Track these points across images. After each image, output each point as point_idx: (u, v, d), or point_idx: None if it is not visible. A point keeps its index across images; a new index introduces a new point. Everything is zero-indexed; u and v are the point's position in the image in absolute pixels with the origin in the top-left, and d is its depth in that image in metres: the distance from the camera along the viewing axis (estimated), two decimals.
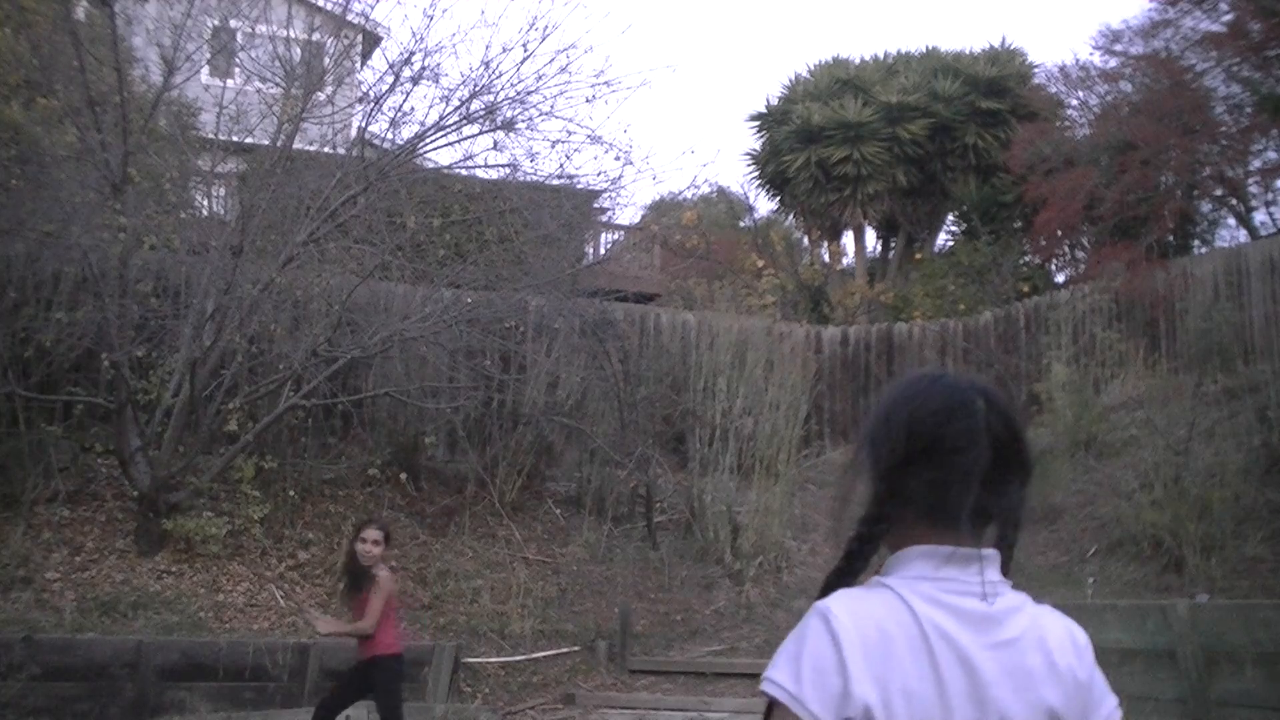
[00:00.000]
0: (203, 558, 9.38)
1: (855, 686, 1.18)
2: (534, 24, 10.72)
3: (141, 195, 9.92)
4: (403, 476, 11.04)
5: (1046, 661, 1.28)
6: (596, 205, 13.84)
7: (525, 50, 10.27)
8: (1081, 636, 1.35)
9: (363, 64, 13.34)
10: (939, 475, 1.28)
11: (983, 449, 1.28)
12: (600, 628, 10.09)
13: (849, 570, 1.32)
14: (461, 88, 10.40)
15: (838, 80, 19.82)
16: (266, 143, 10.66)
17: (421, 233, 10.62)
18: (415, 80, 10.32)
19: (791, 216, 22.15)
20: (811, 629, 1.23)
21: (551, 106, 10.50)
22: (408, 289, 11.43)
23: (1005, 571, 1.33)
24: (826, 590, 1.32)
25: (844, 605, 1.24)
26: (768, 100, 21.07)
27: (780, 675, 1.22)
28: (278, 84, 10.93)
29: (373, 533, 6.17)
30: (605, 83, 10.58)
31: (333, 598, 9.47)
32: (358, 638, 6.18)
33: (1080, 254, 16.68)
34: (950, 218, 19.76)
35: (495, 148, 11.12)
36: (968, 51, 19.89)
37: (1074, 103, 17.02)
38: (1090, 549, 10.08)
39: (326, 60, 11.22)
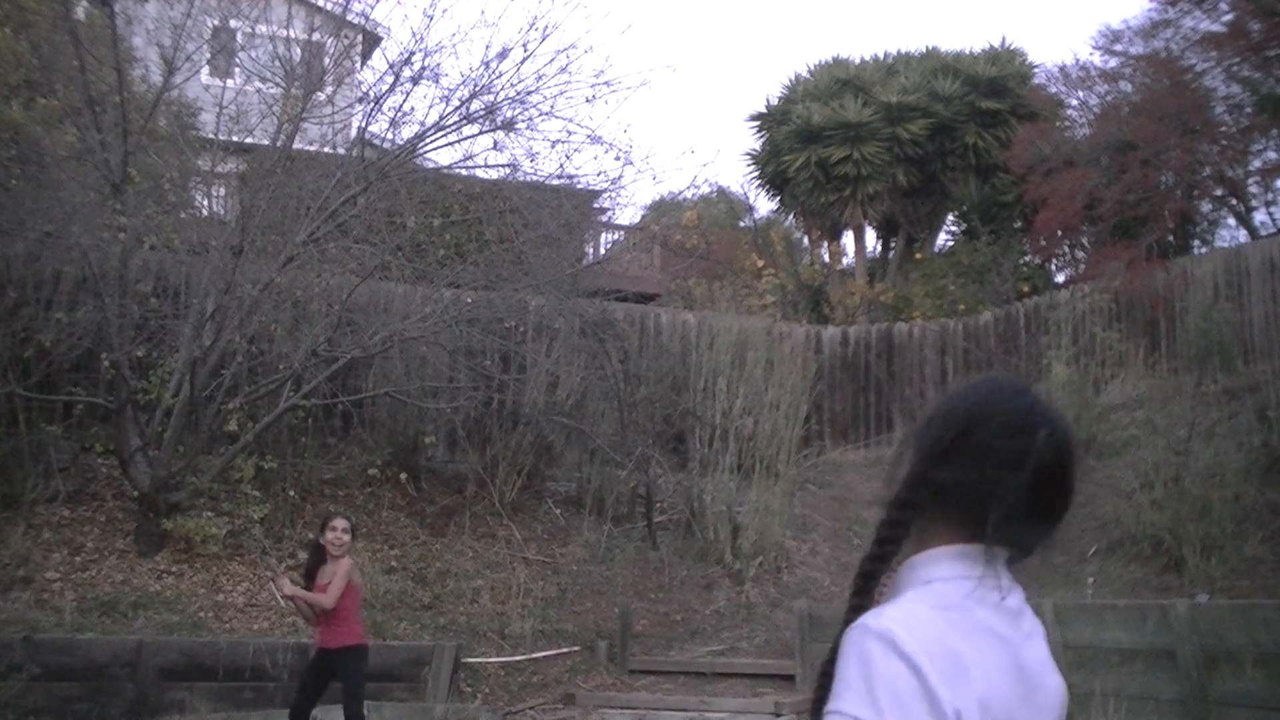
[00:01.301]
0: (203, 558, 9.38)
1: (943, 708, 1.12)
2: (534, 24, 10.77)
3: (141, 195, 9.92)
4: (403, 476, 11.05)
5: (1050, 654, 1.31)
6: (596, 205, 13.85)
7: (525, 50, 10.29)
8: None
9: (363, 64, 13.35)
10: (972, 481, 1.25)
11: (1024, 475, 1.24)
12: (600, 628, 10.10)
13: (883, 556, 1.29)
14: (461, 88, 10.41)
15: (838, 80, 19.82)
16: (266, 143, 10.67)
17: (421, 233, 10.63)
18: (415, 80, 10.33)
19: (791, 216, 22.14)
20: (877, 654, 1.15)
21: (551, 106, 10.52)
22: (408, 289, 11.43)
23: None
24: (865, 578, 1.28)
25: (904, 624, 1.17)
26: (768, 100, 21.08)
27: (854, 707, 1.13)
28: (278, 84, 10.93)
29: (340, 521, 6.42)
30: (605, 83, 10.60)
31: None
32: (322, 624, 6.32)
33: (1080, 254, 16.69)
34: (950, 218, 19.76)
35: (495, 148, 11.14)
36: (968, 51, 19.89)
37: (1074, 103, 17.04)
38: (1090, 549, 10.08)
39: (326, 60, 11.22)
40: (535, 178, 11.10)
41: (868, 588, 1.28)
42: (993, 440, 1.26)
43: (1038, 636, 1.29)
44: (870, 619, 1.19)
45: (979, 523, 1.25)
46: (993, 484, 1.24)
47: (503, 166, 11.14)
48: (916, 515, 1.28)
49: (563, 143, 10.84)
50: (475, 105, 10.43)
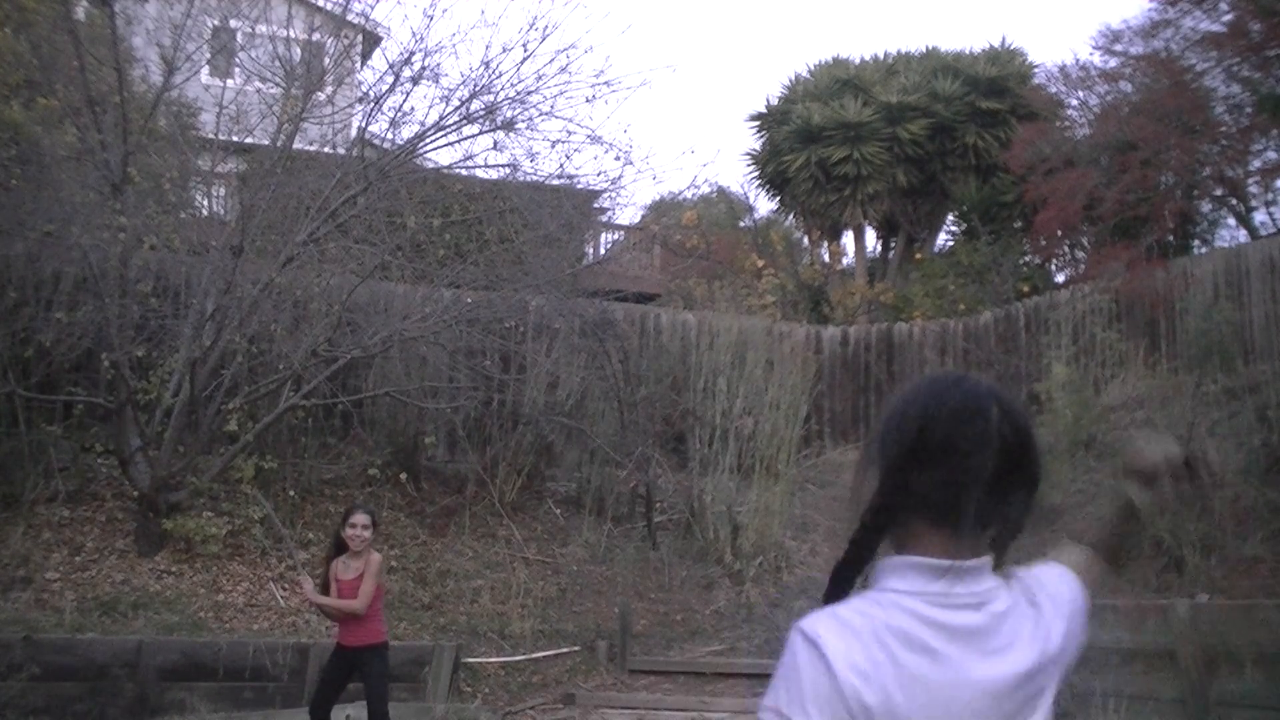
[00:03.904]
0: (203, 558, 9.38)
1: (859, 711, 1.18)
2: (534, 24, 10.73)
3: (141, 195, 9.92)
4: (403, 476, 11.04)
5: (1039, 654, 1.31)
6: (596, 205, 13.85)
7: (525, 50, 10.29)
8: (1069, 589, 1.41)
9: (363, 64, 13.34)
10: (944, 476, 1.28)
11: (989, 455, 1.28)
12: (600, 628, 10.09)
13: (855, 562, 1.32)
14: (461, 88, 10.41)
15: (838, 80, 19.82)
16: (266, 143, 10.67)
17: (421, 233, 10.62)
18: (415, 80, 10.33)
19: (791, 216, 22.14)
20: (804, 657, 1.22)
21: (551, 106, 10.52)
22: (408, 289, 11.42)
23: (997, 567, 1.34)
24: (834, 583, 1.32)
25: (833, 629, 1.23)
26: (768, 100, 21.08)
27: (784, 705, 1.21)
28: (278, 84, 10.93)
29: (361, 517, 6.22)
30: (605, 83, 10.59)
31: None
32: (342, 621, 6.21)
33: (1080, 254, 16.68)
34: (950, 218, 19.75)
35: (495, 148, 11.13)
36: (968, 51, 19.89)
37: (1074, 103, 17.00)
38: None
39: (326, 60, 11.22)
40: (535, 178, 11.10)
41: (839, 592, 1.32)
42: (951, 431, 1.30)
43: (1009, 654, 1.28)
44: (806, 623, 1.24)
45: (955, 515, 1.28)
46: (962, 472, 1.28)
47: (503, 166, 11.15)
48: (891, 521, 1.32)
49: (563, 143, 10.86)
50: (475, 105, 10.44)
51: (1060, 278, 17.12)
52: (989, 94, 18.60)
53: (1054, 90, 17.38)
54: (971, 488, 1.27)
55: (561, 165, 11.08)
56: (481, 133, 10.70)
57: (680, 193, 21.09)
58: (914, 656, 1.22)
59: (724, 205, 23.78)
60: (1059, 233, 15.57)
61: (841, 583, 1.32)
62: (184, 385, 9.40)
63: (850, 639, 1.21)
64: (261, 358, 9.98)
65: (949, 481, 1.28)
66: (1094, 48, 18.16)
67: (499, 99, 10.43)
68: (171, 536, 9.32)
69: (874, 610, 1.25)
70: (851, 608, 1.27)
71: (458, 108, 10.41)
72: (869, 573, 1.34)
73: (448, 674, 8.72)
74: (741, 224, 23.14)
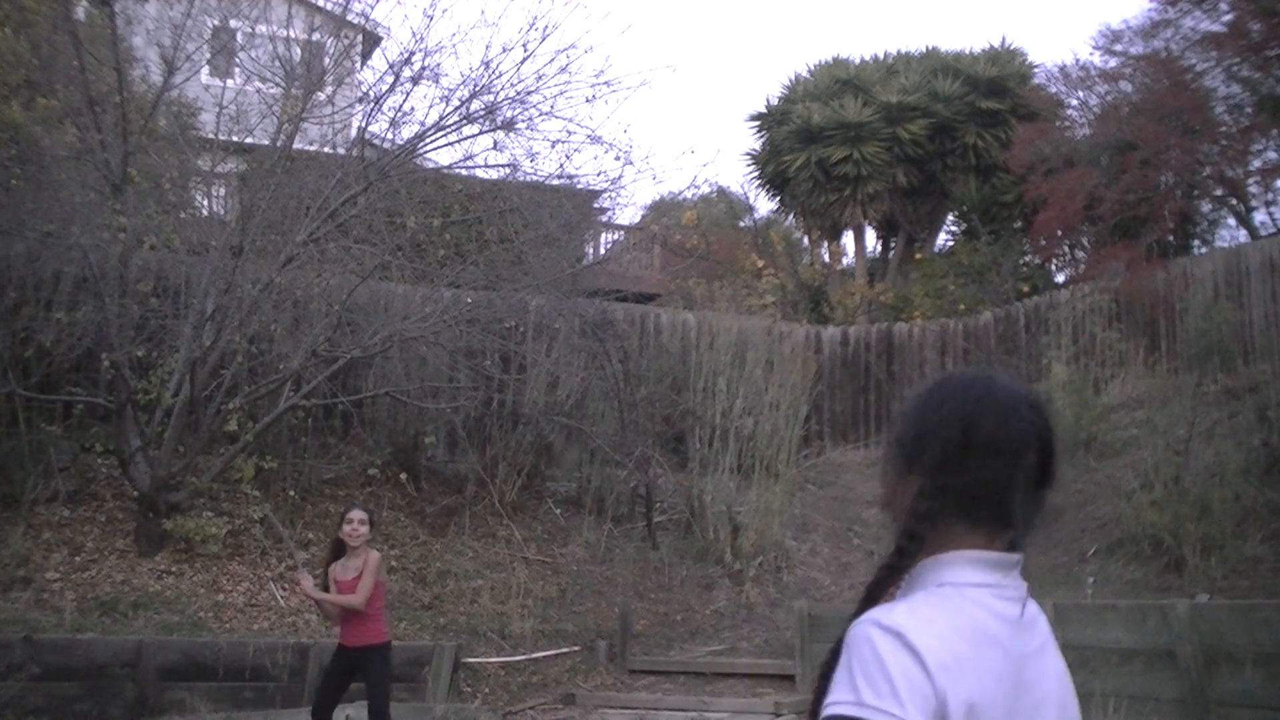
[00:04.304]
0: (203, 558, 9.38)
1: (947, 706, 1.16)
2: (534, 24, 10.73)
3: (141, 195, 9.92)
4: (403, 476, 11.05)
5: (1063, 664, 1.32)
6: (596, 205, 13.85)
7: (525, 50, 10.28)
8: None
9: (363, 64, 13.35)
10: (992, 477, 1.28)
11: (1033, 454, 1.29)
12: (600, 628, 10.10)
13: (899, 567, 1.30)
14: (461, 88, 10.41)
15: (838, 80, 19.82)
16: (266, 143, 10.67)
17: (421, 233, 10.62)
18: (415, 80, 10.33)
19: (791, 216, 22.14)
20: (887, 647, 1.16)
21: (551, 106, 10.51)
22: (408, 289, 11.42)
23: None
24: (877, 585, 1.29)
25: (912, 621, 1.19)
26: (768, 100, 21.08)
27: (866, 697, 1.14)
28: (278, 84, 10.93)
29: (357, 513, 6.23)
30: (605, 83, 10.58)
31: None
32: (344, 622, 6.19)
33: (1080, 254, 16.69)
34: (950, 218, 19.75)
35: (495, 148, 11.13)
36: (968, 51, 19.89)
37: (1074, 103, 17.03)
38: (1090, 549, 10.07)
39: (326, 60, 11.22)
40: (535, 178, 11.09)
41: (878, 594, 1.29)
42: (996, 432, 1.29)
43: (1051, 652, 1.30)
44: (880, 615, 1.20)
45: (998, 515, 1.28)
46: (1009, 472, 1.28)
47: (503, 166, 11.15)
48: (934, 525, 1.30)
49: (563, 143, 10.85)
50: (475, 105, 10.43)
51: (1060, 278, 17.13)
52: (989, 94, 18.60)
53: (1054, 90, 17.40)
54: (1018, 487, 1.28)
55: (561, 165, 11.09)
56: (481, 133, 10.70)
57: (680, 193, 21.10)
58: (988, 650, 1.21)
59: (724, 205, 23.78)
60: (1059, 233, 15.59)
61: (883, 585, 1.30)
62: (184, 385, 9.40)
63: (935, 634, 1.18)
64: (261, 358, 9.98)
65: (995, 482, 1.28)
66: (1094, 48, 18.23)
67: (499, 99, 10.43)
68: (171, 536, 9.32)
69: (947, 605, 1.23)
70: (927, 603, 1.24)
71: (458, 108, 10.42)
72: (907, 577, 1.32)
73: (448, 674, 8.72)
74: (741, 224, 23.14)
